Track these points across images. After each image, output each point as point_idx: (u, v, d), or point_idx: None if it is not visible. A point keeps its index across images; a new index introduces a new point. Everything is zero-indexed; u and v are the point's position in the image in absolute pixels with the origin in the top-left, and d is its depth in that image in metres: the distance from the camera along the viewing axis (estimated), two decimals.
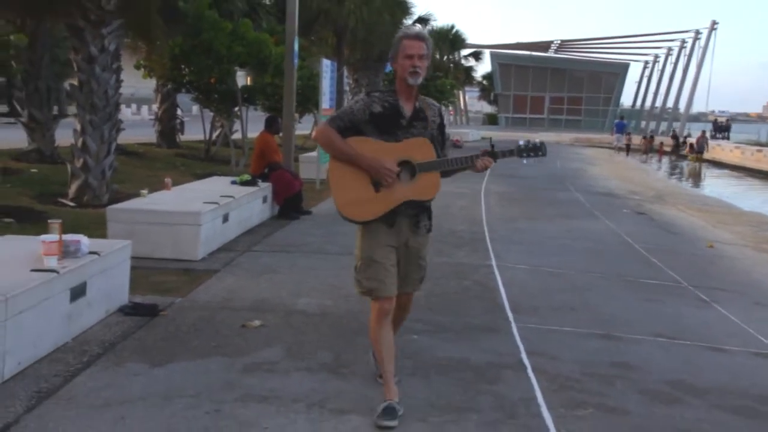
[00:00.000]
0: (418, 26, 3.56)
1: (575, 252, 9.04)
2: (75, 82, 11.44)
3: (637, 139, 39.35)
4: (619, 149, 36.88)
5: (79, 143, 11.12)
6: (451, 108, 46.04)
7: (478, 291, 6.67)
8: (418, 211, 3.84)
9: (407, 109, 3.79)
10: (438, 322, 5.46)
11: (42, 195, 11.31)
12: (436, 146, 3.80)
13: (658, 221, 12.67)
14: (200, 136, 21.39)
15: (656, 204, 15.56)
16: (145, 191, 8.45)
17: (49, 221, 5.06)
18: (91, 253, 5.18)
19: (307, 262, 7.55)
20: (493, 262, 7.89)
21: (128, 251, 5.81)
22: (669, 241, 10.56)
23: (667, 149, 39.02)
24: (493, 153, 3.79)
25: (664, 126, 54.04)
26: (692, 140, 37.53)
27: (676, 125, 50.81)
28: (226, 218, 8.25)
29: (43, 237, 4.86)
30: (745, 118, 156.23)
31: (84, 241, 5.16)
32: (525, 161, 3.91)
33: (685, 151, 37.05)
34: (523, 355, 4.93)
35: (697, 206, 16.02)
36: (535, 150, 3.87)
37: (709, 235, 11.55)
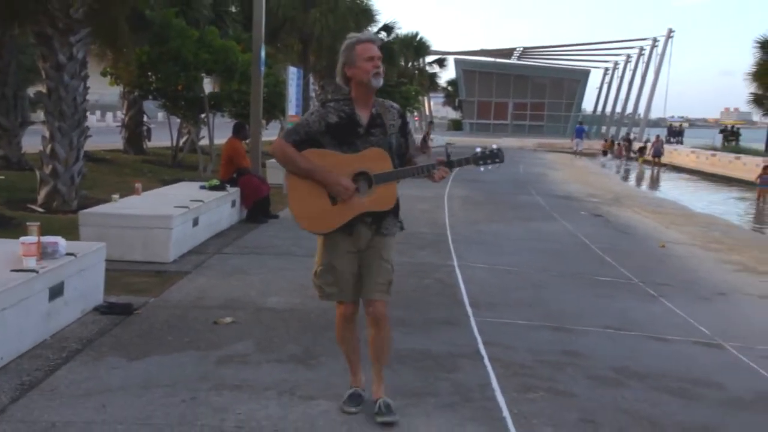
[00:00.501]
0: (368, 30, 3.49)
1: (533, 252, 9.43)
2: (42, 89, 11.57)
3: (597, 144, 40.16)
4: (579, 153, 37.61)
5: (48, 150, 11.24)
6: (416, 114, 46.48)
7: (439, 288, 7.01)
8: (378, 218, 3.78)
9: (364, 116, 3.73)
10: (399, 317, 5.77)
11: (10, 201, 11.41)
12: (393, 155, 3.73)
13: (614, 223, 13.15)
14: (167, 143, 21.51)
15: (613, 206, 16.06)
16: (116, 196, 8.66)
17: (27, 224, 5.27)
18: (68, 254, 5.41)
19: (276, 263, 7.82)
20: (455, 262, 8.24)
21: (103, 253, 6.04)
22: (623, 242, 11.01)
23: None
24: (449, 162, 3.73)
25: (623, 131, 55.00)
26: (641, 144, 38.61)
27: (636, 130, 51.82)
28: (196, 222, 8.49)
29: (23, 239, 5.07)
30: (704, 124, 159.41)
31: (61, 242, 5.40)
32: (482, 169, 3.86)
33: (638, 154, 37.98)
34: (480, 346, 5.26)
35: (651, 208, 16.56)
36: (492, 157, 3.81)
37: (661, 235, 12.03)
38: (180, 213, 8.01)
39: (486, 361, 4.95)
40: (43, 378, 4.35)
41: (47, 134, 11.29)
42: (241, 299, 6.29)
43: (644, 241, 11.26)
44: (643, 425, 4.05)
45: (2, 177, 13.57)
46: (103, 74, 17.18)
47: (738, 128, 47.46)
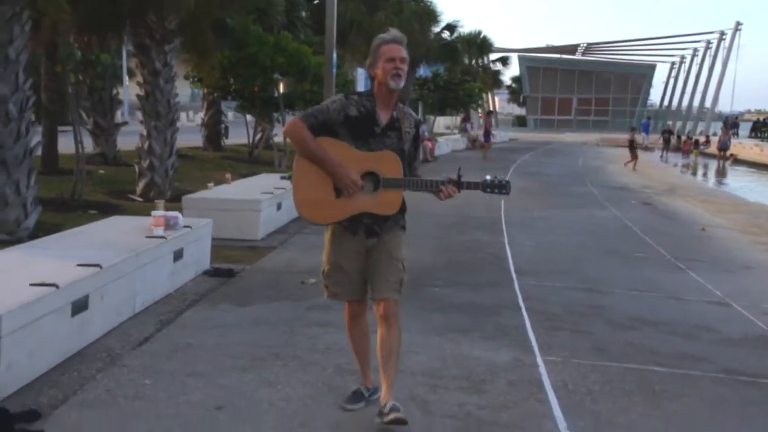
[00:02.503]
0: (394, 30, 3.56)
1: (579, 233, 10.45)
2: (140, 92, 13.07)
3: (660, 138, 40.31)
4: (646, 148, 37.94)
5: (146, 146, 12.74)
6: (480, 111, 47.34)
7: (490, 259, 8.13)
8: (381, 219, 3.74)
9: (383, 116, 3.71)
10: (455, 279, 6.90)
11: (112, 192, 12.94)
12: (404, 163, 3.70)
13: (661, 210, 14.00)
14: (242, 140, 23.06)
15: (665, 196, 16.83)
16: (211, 184, 10.03)
17: (155, 201, 6.61)
18: (185, 226, 6.73)
19: None
20: (506, 240, 9.35)
21: (210, 227, 7.36)
22: (666, 225, 11.90)
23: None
24: (458, 183, 3.71)
25: (690, 125, 54.75)
26: (700, 138, 38.64)
27: (702, 124, 51.56)
28: (279, 206, 9.79)
29: (154, 212, 6.41)
30: None
31: (180, 217, 6.72)
32: (489, 196, 3.89)
33: (682, 145, 38.01)
34: (520, 300, 6.38)
35: (702, 197, 17.26)
36: (500, 188, 3.80)
37: (705, 221, 12.85)
38: (267, 198, 9.32)
39: (523, 310, 6.07)
40: (175, 318, 5.65)
41: (144, 132, 12.79)
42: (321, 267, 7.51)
43: (686, 225, 12.13)
44: (644, 353, 5.12)
45: (102, 171, 15.20)
46: (186, 77, 18.80)
47: (736, 120, 46.91)
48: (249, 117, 21.46)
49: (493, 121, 32.08)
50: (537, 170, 19.46)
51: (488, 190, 3.81)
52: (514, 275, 7.39)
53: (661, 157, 34.76)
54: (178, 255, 6.48)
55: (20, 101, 8.51)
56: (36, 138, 8.78)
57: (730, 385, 4.63)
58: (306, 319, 5.65)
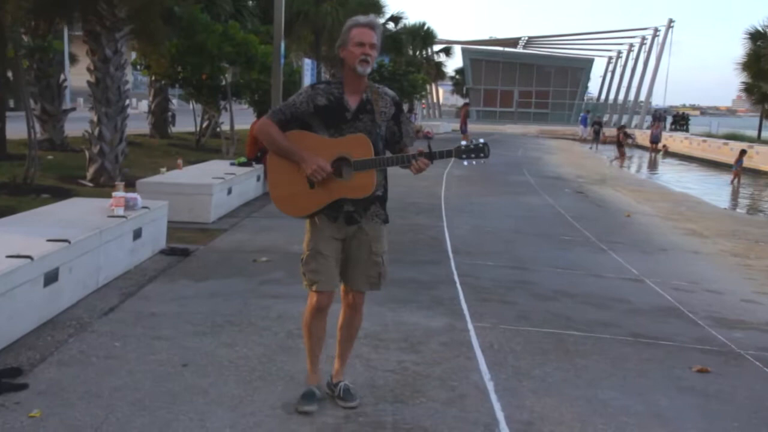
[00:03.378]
0: (371, 15, 3.67)
1: (513, 218, 11.14)
2: (90, 79, 13.28)
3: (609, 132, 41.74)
4: (584, 140, 39.21)
5: (96, 132, 12.96)
6: (423, 102, 48.10)
7: (429, 241, 8.73)
8: (361, 206, 3.73)
9: (352, 101, 3.69)
10: (396, 258, 7.35)
11: (62, 177, 13.14)
12: (378, 142, 3.68)
13: (591, 198, 14.84)
14: (189, 128, 23.25)
15: (596, 185, 17.73)
16: (164, 169, 10.39)
17: (115, 183, 7.00)
18: (143, 207, 7.14)
19: (296, 224, 9.49)
20: (444, 224, 9.96)
21: (166, 209, 7.77)
22: (594, 212, 12.70)
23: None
24: (430, 154, 3.62)
25: (625, 119, 56.49)
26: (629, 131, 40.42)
27: (637, 117, 53.33)
28: (230, 191, 10.21)
29: (115, 193, 6.82)
30: (715, 112, 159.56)
31: (139, 198, 7.14)
32: (465, 163, 3.71)
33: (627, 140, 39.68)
34: (455, 276, 6.99)
35: (632, 187, 18.22)
36: (477, 151, 3.66)
37: (631, 208, 13.70)
38: (218, 183, 9.74)
39: (458, 285, 6.67)
40: (137, 291, 6.08)
41: (95, 119, 13.01)
42: (271, 247, 8.01)
43: (613, 212, 12.95)
44: (562, 320, 5.77)
45: (51, 157, 15.34)
46: (134, 64, 18.98)
47: (688, 114, 50.38)
48: (196, 105, 21.68)
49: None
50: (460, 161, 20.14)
51: (463, 156, 3.68)
52: (451, 255, 8.00)
53: (591, 147, 35.87)
54: (137, 234, 6.89)
55: None
56: None
57: (633, 345, 5.30)
58: (258, 292, 6.15)
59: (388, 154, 3.77)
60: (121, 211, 6.73)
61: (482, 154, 3.69)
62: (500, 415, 3.90)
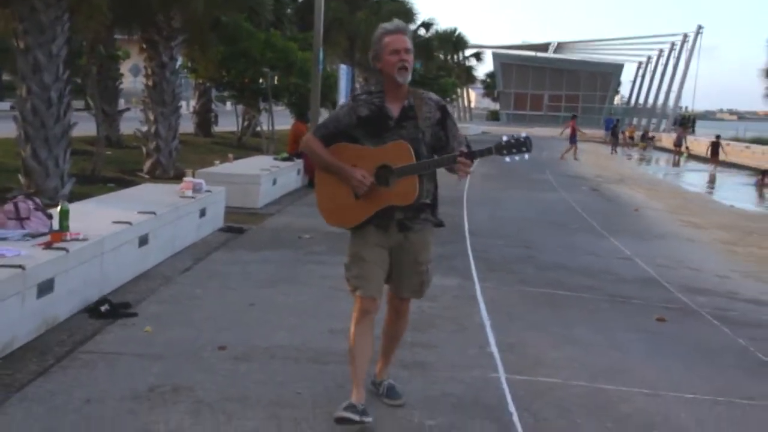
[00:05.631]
0: (397, 20, 3.78)
1: (527, 209, 12.37)
2: (148, 83, 14.74)
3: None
4: (608, 143, 40.21)
5: (153, 130, 14.43)
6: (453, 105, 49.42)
7: (450, 226, 9.82)
8: (410, 213, 3.72)
9: (394, 109, 3.68)
10: None
11: (122, 170, 14.62)
12: (420, 147, 3.64)
13: (605, 195, 15.97)
14: (230, 128, 24.75)
15: (614, 184, 18.82)
16: (218, 162, 11.77)
17: (185, 169, 8.35)
18: (206, 191, 8.49)
19: None
20: (465, 212, 11.21)
21: (224, 194, 9.13)
22: (605, 206, 13.85)
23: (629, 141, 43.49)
24: (470, 153, 3.54)
25: (654, 122, 57.17)
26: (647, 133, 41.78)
27: (665, 122, 54.01)
28: (275, 182, 11.57)
29: (185, 178, 8.19)
30: (754, 117, 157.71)
31: (204, 183, 8.50)
32: (508, 159, 3.61)
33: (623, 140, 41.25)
34: (469, 252, 8.24)
35: (647, 186, 19.28)
36: (518, 146, 3.58)
37: (642, 204, 14.81)
38: (265, 174, 11.10)
39: (471, 258, 7.92)
40: (205, 256, 7.42)
41: (152, 118, 14.48)
42: (312, 228, 9.27)
43: (623, 207, 14.10)
44: (555, 284, 7.00)
45: (110, 152, 16.84)
46: (183, 68, 20.49)
47: (694, 117, 51.82)
48: (238, 106, 23.11)
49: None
50: (501, 159, 21.32)
51: (504, 152, 3.60)
52: (467, 236, 9.26)
53: (612, 151, 36.66)
54: (202, 212, 8.25)
55: (60, 89, 10.17)
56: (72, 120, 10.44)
57: (609, 302, 6.52)
58: (304, 260, 7.45)
59: None
60: (190, 193, 8.09)
61: (524, 149, 3.59)
62: (492, 339, 5.15)
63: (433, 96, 3.81)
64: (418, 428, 3.71)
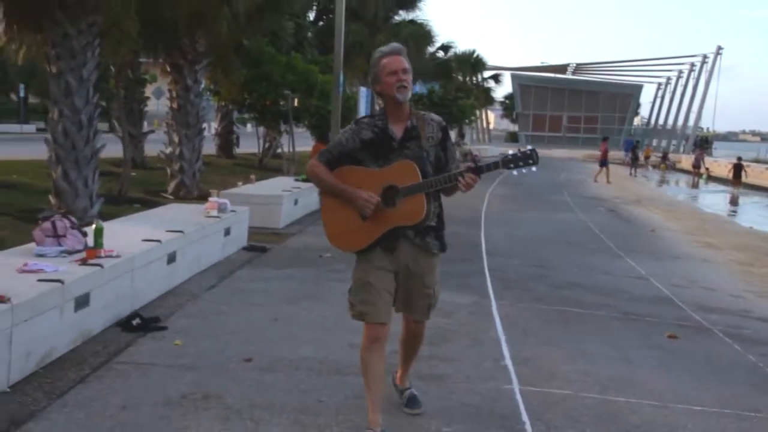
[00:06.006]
0: (393, 42, 3.92)
1: (545, 230, 12.54)
2: (173, 106, 15.12)
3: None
4: (627, 164, 40.33)
5: (177, 152, 14.79)
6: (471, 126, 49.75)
7: (467, 245, 10.18)
8: (420, 233, 3.73)
9: (397, 130, 3.71)
10: None
11: (147, 191, 14.97)
12: (425, 166, 3.67)
13: (623, 216, 16.11)
14: (251, 149, 25.14)
15: (631, 205, 18.94)
16: (240, 183, 12.07)
17: (209, 190, 8.64)
18: (231, 211, 8.77)
19: None
20: (482, 232, 11.41)
21: (248, 213, 9.41)
22: (622, 227, 13.99)
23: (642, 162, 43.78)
24: (477, 168, 3.57)
25: (674, 143, 57.14)
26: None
27: (684, 142, 53.98)
28: (296, 202, 11.84)
29: (210, 198, 8.47)
30: None
31: (228, 203, 8.78)
32: (515, 172, 3.61)
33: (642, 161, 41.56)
34: (486, 270, 8.44)
35: (665, 207, 19.38)
36: (525, 159, 3.56)
37: (659, 225, 14.93)
38: (287, 195, 11.39)
39: (487, 276, 8.13)
40: (230, 274, 7.68)
41: (176, 140, 14.85)
42: (333, 247, 9.53)
43: (640, 228, 14.23)
44: (569, 302, 7.17)
45: (135, 174, 17.23)
46: (205, 90, 20.91)
47: (709, 138, 52.74)
48: (259, 128, 23.48)
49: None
50: (520, 181, 21.45)
51: (511, 165, 3.59)
52: (484, 255, 9.46)
53: (631, 173, 36.68)
54: (227, 232, 8.52)
55: (90, 112, 10.51)
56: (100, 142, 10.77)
57: (622, 320, 6.69)
58: (326, 277, 7.69)
59: None
60: (215, 213, 8.37)
61: (531, 161, 3.57)
62: (507, 353, 5.34)
63: (435, 117, 3.85)
64: None
